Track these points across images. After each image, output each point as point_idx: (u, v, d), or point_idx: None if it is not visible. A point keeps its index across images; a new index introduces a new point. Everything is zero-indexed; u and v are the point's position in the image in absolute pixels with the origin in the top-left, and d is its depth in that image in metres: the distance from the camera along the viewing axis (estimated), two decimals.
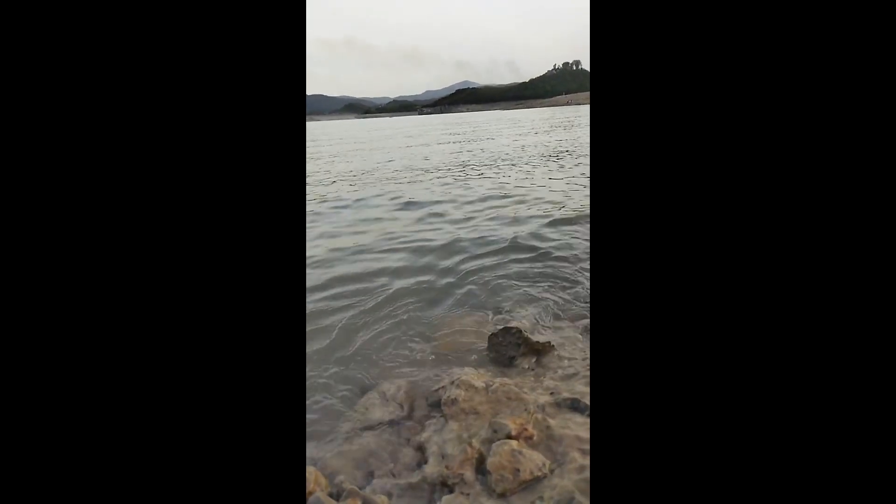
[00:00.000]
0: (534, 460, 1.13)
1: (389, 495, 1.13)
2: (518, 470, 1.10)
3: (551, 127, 18.32)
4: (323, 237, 3.70)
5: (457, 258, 2.92)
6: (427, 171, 7.47)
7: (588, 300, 2.16)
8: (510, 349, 1.75)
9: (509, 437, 1.22)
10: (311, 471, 1.20)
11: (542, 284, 2.41)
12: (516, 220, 3.81)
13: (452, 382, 1.54)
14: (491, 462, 1.13)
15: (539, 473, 1.10)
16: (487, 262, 2.81)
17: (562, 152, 8.75)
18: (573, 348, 1.78)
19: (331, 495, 1.14)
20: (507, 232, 3.44)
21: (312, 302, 2.35)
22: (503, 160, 8.10)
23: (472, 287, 2.45)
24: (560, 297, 2.24)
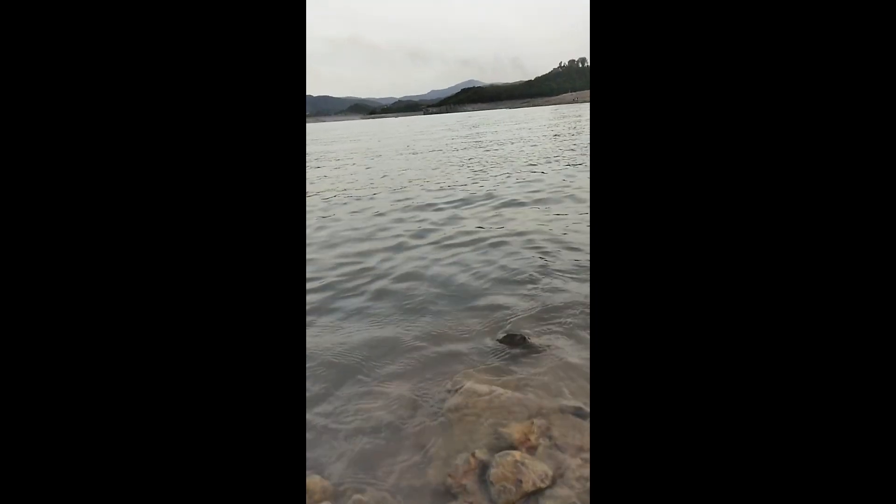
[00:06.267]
0: (536, 471, 1.13)
1: (392, 502, 1.14)
2: (521, 481, 1.10)
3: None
4: None
5: None
6: None
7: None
8: (515, 355, 1.75)
9: (512, 446, 1.22)
10: (315, 480, 1.21)
11: None
12: None
13: (456, 388, 1.55)
14: (493, 473, 1.13)
15: (541, 484, 1.11)
16: None
17: None
18: (579, 353, 1.77)
19: (335, 502, 1.15)
20: None
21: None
22: None
23: None
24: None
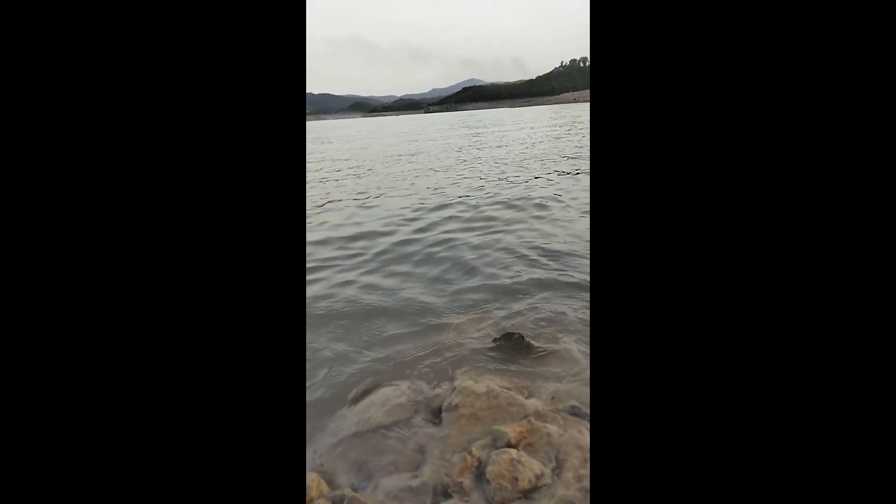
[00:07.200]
0: (533, 469, 1.13)
1: (389, 501, 1.14)
2: (517, 479, 1.10)
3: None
4: None
5: None
6: None
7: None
8: (512, 354, 1.76)
9: (509, 444, 1.22)
10: (313, 476, 1.21)
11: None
12: None
13: (454, 388, 1.55)
14: (490, 471, 1.14)
15: (538, 482, 1.11)
16: None
17: None
18: (576, 353, 1.78)
19: (332, 500, 1.15)
20: None
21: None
22: None
23: None
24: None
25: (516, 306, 2.23)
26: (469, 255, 3.05)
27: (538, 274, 2.62)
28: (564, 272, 2.61)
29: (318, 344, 2.00)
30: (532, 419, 1.33)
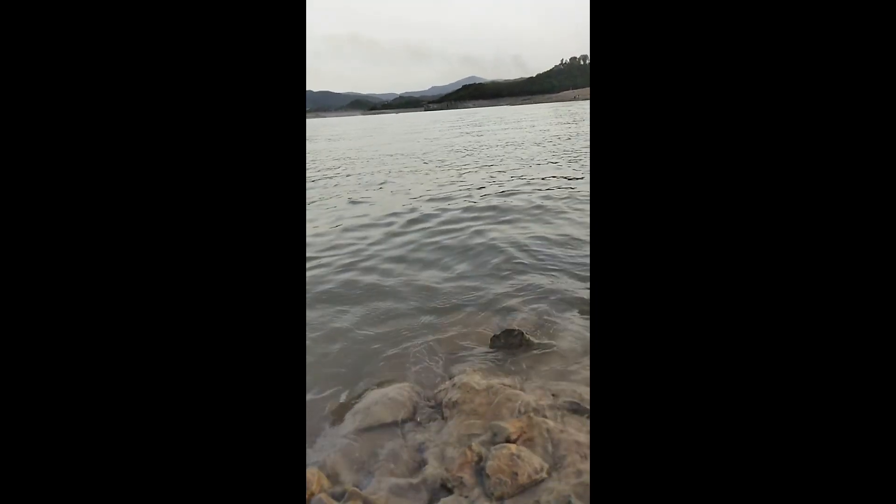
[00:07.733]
0: (532, 464, 1.14)
1: (389, 496, 1.15)
2: (516, 474, 1.11)
3: None
4: None
5: None
6: None
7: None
8: (512, 350, 1.76)
9: (508, 440, 1.23)
10: (313, 472, 1.22)
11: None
12: None
13: (453, 384, 1.55)
14: (490, 465, 1.14)
15: (537, 477, 1.12)
16: None
17: None
18: (575, 350, 1.78)
19: (332, 496, 1.16)
20: None
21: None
22: None
23: None
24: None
25: (515, 302, 2.24)
26: (469, 249, 3.06)
27: (538, 269, 2.62)
28: (564, 268, 2.61)
29: (317, 332, 2.01)
30: (531, 415, 1.33)
